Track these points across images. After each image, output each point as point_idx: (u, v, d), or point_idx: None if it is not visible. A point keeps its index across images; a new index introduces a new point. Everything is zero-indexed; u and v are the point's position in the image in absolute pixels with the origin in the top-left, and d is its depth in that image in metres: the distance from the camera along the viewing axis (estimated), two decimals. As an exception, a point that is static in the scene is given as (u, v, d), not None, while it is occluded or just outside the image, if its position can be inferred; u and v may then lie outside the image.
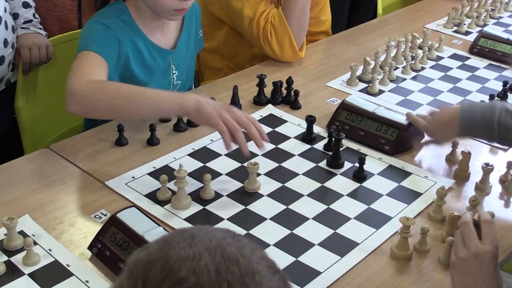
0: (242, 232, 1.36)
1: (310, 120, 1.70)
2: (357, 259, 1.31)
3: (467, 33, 2.50)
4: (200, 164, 1.58)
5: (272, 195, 1.48)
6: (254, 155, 1.62)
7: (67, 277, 1.22)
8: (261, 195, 1.48)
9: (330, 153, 1.63)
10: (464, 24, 2.54)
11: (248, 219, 1.40)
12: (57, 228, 1.35)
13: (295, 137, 1.71)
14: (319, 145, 1.68)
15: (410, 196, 1.51)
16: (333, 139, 1.60)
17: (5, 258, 1.25)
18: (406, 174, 1.59)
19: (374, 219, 1.42)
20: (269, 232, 1.37)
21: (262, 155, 1.63)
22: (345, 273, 1.27)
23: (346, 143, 1.70)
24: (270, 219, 1.41)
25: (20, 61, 1.93)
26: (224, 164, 1.58)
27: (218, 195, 1.47)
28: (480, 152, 1.70)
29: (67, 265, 1.25)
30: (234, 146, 1.47)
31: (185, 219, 1.39)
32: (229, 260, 0.69)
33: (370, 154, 1.66)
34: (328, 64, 2.19)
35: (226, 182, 1.52)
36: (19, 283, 1.20)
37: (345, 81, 2.04)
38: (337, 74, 2.10)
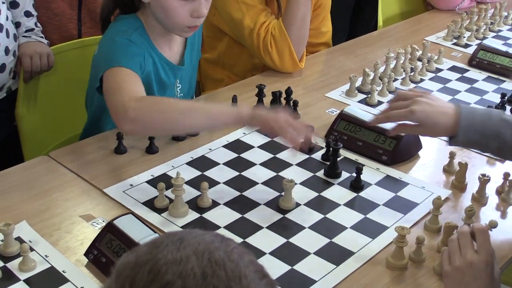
0: (239, 240, 1.36)
1: (309, 130, 1.69)
2: (353, 268, 1.31)
3: (466, 45, 2.51)
4: (198, 173, 1.58)
5: (269, 204, 1.48)
6: (252, 164, 1.63)
7: (62, 283, 1.22)
8: (258, 204, 1.48)
9: (328, 163, 1.63)
10: (464, 37, 2.55)
11: (245, 228, 1.40)
12: (54, 235, 1.35)
13: (293, 147, 1.71)
14: (317, 155, 1.68)
15: (406, 206, 1.51)
16: (331, 149, 1.60)
17: (1, 264, 1.26)
18: (403, 184, 1.59)
19: (370, 229, 1.42)
20: (265, 241, 1.37)
21: (260, 164, 1.63)
22: (340, 282, 1.27)
23: (344, 153, 1.70)
24: (267, 227, 1.41)
25: (21, 69, 1.94)
26: (222, 173, 1.59)
27: (215, 204, 1.47)
28: (477, 163, 1.70)
29: (63, 271, 1.25)
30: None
31: (181, 227, 1.40)
32: (216, 264, 0.69)
33: (368, 164, 1.66)
34: (328, 75, 2.19)
35: (223, 191, 1.52)
36: (14, 289, 1.20)
37: (344, 92, 2.05)
38: (337, 85, 2.10)
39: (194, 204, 1.46)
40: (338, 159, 1.63)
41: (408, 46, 2.27)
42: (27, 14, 1.99)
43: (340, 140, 1.70)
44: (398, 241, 1.31)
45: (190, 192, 1.50)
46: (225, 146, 1.70)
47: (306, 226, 1.42)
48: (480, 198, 1.55)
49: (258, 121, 1.49)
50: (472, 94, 2.11)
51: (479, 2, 2.89)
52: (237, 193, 1.52)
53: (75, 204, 1.46)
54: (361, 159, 1.69)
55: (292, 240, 1.37)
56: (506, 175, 1.57)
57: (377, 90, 2.03)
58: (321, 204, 1.50)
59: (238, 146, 1.71)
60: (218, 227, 1.40)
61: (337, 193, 1.54)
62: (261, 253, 1.33)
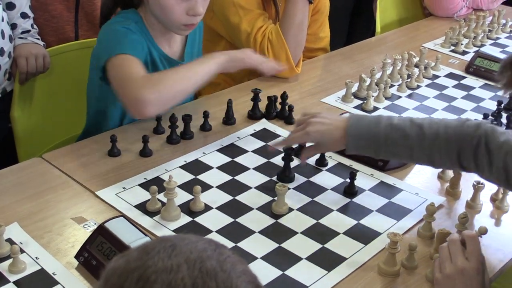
0: (230, 244, 1.35)
1: (303, 135, 1.69)
2: (344, 274, 1.30)
3: (464, 52, 2.51)
4: (191, 177, 1.58)
5: (261, 209, 1.48)
6: (245, 168, 1.62)
7: (52, 285, 1.22)
8: (251, 208, 1.48)
9: (323, 169, 1.64)
10: (462, 44, 2.54)
11: (237, 232, 1.40)
12: (45, 237, 1.35)
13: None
14: (311, 160, 1.68)
15: (400, 212, 1.51)
16: (284, 152, 1.60)
17: (-9, 265, 1.25)
18: (397, 190, 1.59)
19: (363, 235, 1.42)
20: (257, 245, 1.36)
21: (254, 168, 1.63)
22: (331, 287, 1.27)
23: (339, 158, 1.70)
24: (259, 232, 1.40)
25: (17, 71, 1.94)
26: (215, 177, 1.58)
27: (208, 208, 1.47)
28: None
29: (53, 273, 1.24)
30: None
31: (173, 231, 1.39)
32: (207, 274, 0.68)
33: (362, 170, 1.66)
34: (325, 81, 2.19)
35: (216, 195, 1.52)
36: (4, 291, 1.20)
37: (340, 97, 2.04)
38: (333, 91, 2.10)
39: (186, 208, 1.45)
40: (332, 164, 1.62)
41: (405, 53, 2.27)
42: (24, 15, 1.99)
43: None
44: (390, 248, 1.30)
45: (183, 196, 1.49)
46: (219, 150, 1.69)
47: (299, 231, 1.41)
48: (474, 205, 1.55)
49: (236, 62, 1.74)
50: (468, 101, 2.11)
51: (477, 9, 2.89)
52: (230, 197, 1.51)
53: (67, 206, 1.45)
54: (355, 165, 1.68)
55: (284, 245, 1.37)
56: (501, 182, 1.56)
57: (373, 96, 2.02)
58: (313, 209, 1.49)
59: (232, 150, 1.70)
60: (210, 231, 1.39)
61: (331, 198, 1.54)
62: (252, 258, 1.32)
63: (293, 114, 1.87)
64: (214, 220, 1.43)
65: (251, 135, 1.78)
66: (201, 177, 1.58)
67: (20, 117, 1.95)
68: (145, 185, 1.52)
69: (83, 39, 2.21)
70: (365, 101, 2.00)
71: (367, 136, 1.45)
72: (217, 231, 1.39)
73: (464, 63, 2.38)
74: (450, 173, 1.63)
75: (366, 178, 1.63)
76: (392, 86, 2.14)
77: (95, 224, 1.38)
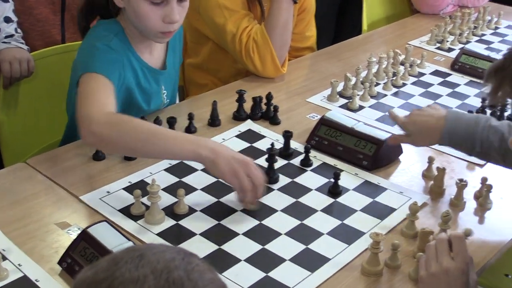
0: (214, 247, 1.35)
1: (287, 135, 1.69)
2: (328, 275, 1.30)
3: (449, 50, 2.50)
4: (176, 179, 1.57)
5: (245, 210, 1.47)
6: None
7: (35, 292, 1.21)
8: (235, 210, 1.47)
9: (308, 169, 1.63)
10: (447, 41, 2.54)
11: (221, 234, 1.39)
12: (28, 243, 1.34)
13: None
14: (296, 161, 1.67)
15: (384, 211, 1.51)
16: (268, 154, 1.59)
17: (-27, 273, 1.24)
18: (381, 189, 1.59)
19: (347, 235, 1.42)
20: (241, 247, 1.36)
21: (239, 170, 1.62)
22: (314, 289, 1.26)
23: (323, 158, 1.69)
24: (243, 234, 1.40)
25: (0, 75, 1.93)
26: (199, 179, 1.57)
27: (192, 210, 1.46)
28: (456, 168, 1.70)
29: (35, 280, 1.24)
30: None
31: (157, 234, 1.38)
32: (174, 284, 0.68)
33: (347, 170, 1.65)
34: (311, 80, 2.19)
35: (200, 197, 1.51)
36: (-15, 299, 1.19)
37: (326, 96, 2.04)
38: (319, 90, 2.09)
39: (170, 211, 1.45)
40: (316, 164, 1.62)
41: (390, 51, 2.26)
42: (7, 20, 1.98)
43: (321, 145, 1.71)
44: (373, 248, 1.30)
45: (167, 199, 1.48)
46: (204, 152, 1.69)
47: (283, 232, 1.41)
48: (457, 203, 1.55)
49: (217, 170, 1.42)
50: (453, 98, 2.11)
51: (462, 6, 2.89)
52: (214, 200, 1.50)
53: (51, 211, 1.45)
54: (340, 165, 1.67)
55: (267, 246, 1.36)
56: (484, 179, 1.57)
57: (358, 95, 2.02)
58: (298, 210, 1.49)
59: (217, 152, 1.69)
60: (194, 234, 1.39)
61: (315, 199, 1.53)
62: (236, 260, 1.32)
63: (278, 115, 1.86)
64: (198, 223, 1.42)
65: (236, 136, 1.78)
66: (186, 179, 1.57)
67: (5, 121, 1.94)
68: (130, 189, 1.51)
69: (71, 42, 2.20)
70: (350, 100, 2.00)
71: (464, 134, 1.49)
72: (201, 234, 1.39)
73: (450, 60, 2.37)
74: (434, 172, 1.63)
75: (350, 177, 1.62)
76: (377, 84, 2.13)
77: (78, 229, 1.37)
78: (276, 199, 1.52)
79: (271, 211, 1.48)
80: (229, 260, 1.32)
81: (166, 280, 0.68)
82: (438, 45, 2.54)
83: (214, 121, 1.83)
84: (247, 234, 1.40)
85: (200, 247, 1.35)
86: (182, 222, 1.42)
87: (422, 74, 2.27)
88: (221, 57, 2.24)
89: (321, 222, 1.45)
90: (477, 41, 2.63)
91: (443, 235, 1.21)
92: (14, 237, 1.35)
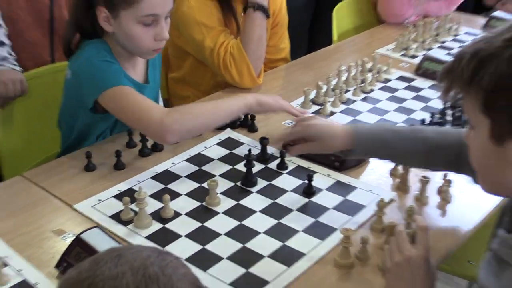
0: (198, 247, 1.39)
1: (264, 141, 1.74)
2: (303, 269, 1.34)
3: (413, 56, 2.56)
4: (162, 186, 1.61)
5: (227, 212, 1.51)
6: (212, 175, 1.66)
7: (34, 294, 1.25)
8: (217, 213, 1.51)
9: (284, 172, 1.68)
10: (411, 49, 2.60)
11: (204, 235, 1.43)
12: (27, 250, 1.38)
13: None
14: (273, 165, 1.72)
15: (354, 208, 1.55)
16: (245, 160, 1.63)
17: (-23, 279, 1.28)
18: (352, 188, 1.63)
19: (320, 231, 1.46)
20: (223, 246, 1.40)
21: (220, 175, 1.66)
22: (291, 282, 1.31)
23: (298, 161, 1.74)
24: (225, 234, 1.44)
25: (-4, 96, 1.96)
26: (183, 185, 1.62)
27: (177, 214, 1.50)
28: (420, 166, 1.75)
29: (35, 283, 1.27)
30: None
31: (146, 237, 1.42)
32: (150, 278, 0.72)
33: (320, 171, 1.70)
34: (286, 89, 2.23)
35: (185, 202, 1.55)
36: (-12, 303, 1.23)
37: (299, 104, 2.09)
38: (293, 98, 2.13)
39: (157, 215, 1.49)
40: (292, 168, 1.67)
41: (359, 59, 2.32)
42: (0, 44, 2.01)
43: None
44: (343, 242, 1.35)
45: (154, 204, 1.53)
46: (187, 160, 1.73)
47: (261, 231, 1.45)
48: (422, 199, 1.60)
49: (263, 105, 1.74)
50: (418, 101, 2.16)
51: (425, 16, 2.95)
52: (198, 203, 1.55)
53: (47, 220, 1.48)
54: (314, 167, 1.72)
55: (247, 245, 1.40)
56: (445, 175, 1.62)
57: (329, 102, 2.07)
58: (275, 210, 1.53)
59: (199, 159, 1.74)
60: (180, 236, 1.43)
61: (291, 199, 1.58)
62: (219, 258, 1.36)
63: (255, 123, 1.91)
64: (183, 226, 1.46)
65: (217, 144, 1.82)
66: (171, 186, 1.62)
67: (2, 139, 1.97)
68: (119, 196, 1.55)
69: (60, 62, 2.23)
70: (322, 107, 2.05)
71: (373, 137, 1.49)
72: (186, 235, 1.43)
73: (414, 66, 2.43)
74: (400, 170, 1.68)
75: (323, 178, 1.67)
76: (347, 91, 2.18)
77: (73, 235, 1.41)
78: (255, 201, 1.56)
79: (250, 212, 1.52)
80: (212, 259, 1.36)
81: (142, 275, 0.72)
82: (403, 52, 2.60)
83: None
84: (228, 234, 1.44)
85: (186, 247, 1.39)
86: (169, 226, 1.46)
87: (388, 80, 2.32)
88: (201, 71, 2.29)
89: (297, 220, 1.49)
90: (438, 47, 2.69)
91: (401, 227, 1.26)
92: (14, 244, 1.39)
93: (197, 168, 1.69)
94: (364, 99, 2.16)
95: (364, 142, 1.49)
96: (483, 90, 0.98)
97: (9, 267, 1.32)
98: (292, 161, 1.73)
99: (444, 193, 1.61)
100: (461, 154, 1.40)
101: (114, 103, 1.65)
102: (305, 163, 1.73)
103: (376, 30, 2.91)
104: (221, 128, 1.90)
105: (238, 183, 1.63)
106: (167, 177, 1.65)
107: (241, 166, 1.70)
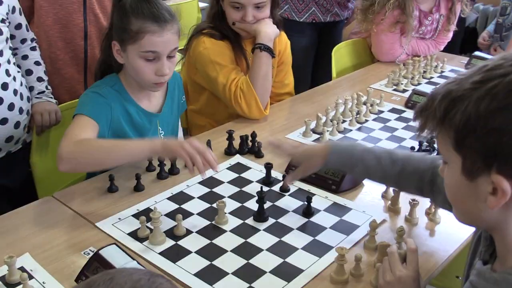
0: (206, 262, 1.31)
1: (268, 166, 1.66)
2: (301, 284, 1.26)
3: (404, 91, 2.48)
4: (176, 206, 1.54)
5: (234, 231, 1.43)
6: (222, 196, 1.58)
7: (55, 306, 1.17)
8: (225, 231, 1.43)
9: (286, 194, 1.60)
10: (402, 84, 2.52)
11: (212, 251, 1.35)
12: (51, 264, 1.30)
13: (256, 181, 1.67)
14: (276, 187, 1.64)
15: (349, 228, 1.46)
16: (258, 197, 1.49)
17: (5, 290, 1.21)
18: (347, 209, 1.55)
19: (318, 249, 1.37)
20: (229, 262, 1.31)
21: (228, 196, 1.59)
22: (290, 296, 1.22)
23: (299, 184, 1.66)
24: (231, 251, 1.35)
25: (34, 125, 1.90)
26: (196, 205, 1.54)
27: (188, 232, 1.42)
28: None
29: (56, 296, 1.20)
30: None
31: (159, 253, 1.34)
32: None
33: (318, 193, 1.62)
34: (289, 120, 2.16)
35: (196, 220, 1.47)
36: (13, 313, 1.15)
37: (301, 133, 2.01)
38: (296, 128, 2.06)
39: (171, 233, 1.41)
40: (293, 190, 1.59)
41: (354, 93, 2.24)
42: (39, 79, 1.96)
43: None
44: (338, 260, 1.26)
45: (169, 223, 1.45)
46: (200, 183, 1.65)
47: (264, 248, 1.37)
48: (411, 220, 1.51)
49: (169, 151, 1.47)
50: (407, 131, 2.07)
51: (414, 55, 2.88)
52: (208, 222, 1.47)
53: (71, 237, 1.41)
54: (313, 189, 1.64)
55: (251, 261, 1.32)
56: (432, 198, 1.53)
57: (328, 131, 1.99)
58: (277, 229, 1.45)
59: (211, 182, 1.66)
60: (190, 252, 1.35)
61: (291, 219, 1.49)
62: (224, 273, 1.27)
63: (261, 149, 1.83)
64: (193, 243, 1.38)
65: (227, 168, 1.75)
66: (185, 206, 1.54)
67: (38, 162, 1.91)
68: (137, 215, 1.47)
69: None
70: (321, 135, 1.97)
71: (346, 155, 1.43)
72: (196, 252, 1.35)
73: (404, 100, 2.35)
74: (391, 193, 1.59)
75: (321, 200, 1.59)
76: (344, 121, 2.11)
77: (93, 251, 1.33)
78: (260, 220, 1.48)
79: (255, 230, 1.44)
80: (219, 274, 1.28)
81: None
82: (395, 87, 2.52)
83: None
84: (234, 250, 1.36)
85: (195, 263, 1.31)
86: (181, 242, 1.38)
87: (381, 112, 2.24)
88: (216, 103, 2.22)
89: (297, 238, 1.41)
90: (426, 83, 2.61)
91: (393, 248, 1.18)
92: (41, 259, 1.32)
93: (208, 190, 1.61)
94: (359, 129, 2.08)
95: (336, 155, 1.44)
96: (454, 128, 0.90)
97: (34, 279, 1.24)
98: (294, 184, 1.65)
99: (432, 214, 1.51)
100: (430, 180, 1.33)
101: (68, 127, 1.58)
102: (305, 186, 1.65)
103: (370, 68, 2.84)
104: (231, 154, 1.82)
105: (245, 204, 1.55)
106: (181, 198, 1.58)
107: (248, 189, 1.62)
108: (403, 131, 2.07)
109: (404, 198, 1.56)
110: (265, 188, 1.63)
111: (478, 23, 4.65)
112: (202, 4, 4.42)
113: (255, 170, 1.73)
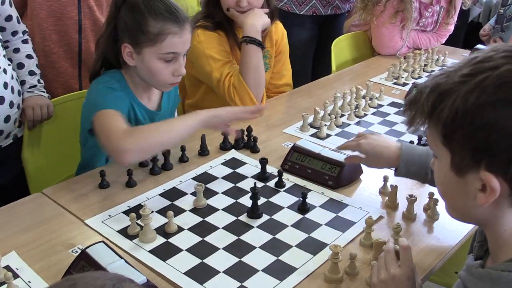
0: (197, 261, 1.27)
1: (263, 162, 1.62)
2: (295, 283, 1.21)
3: (404, 84, 2.43)
4: (168, 202, 1.49)
5: (226, 228, 1.39)
6: (214, 193, 1.54)
7: (39, 306, 1.13)
8: (217, 228, 1.39)
9: (281, 190, 1.56)
10: (402, 77, 2.47)
11: (204, 249, 1.31)
12: (38, 263, 1.26)
13: (251, 177, 1.63)
14: (271, 183, 1.60)
15: (345, 225, 1.42)
16: (251, 193, 1.45)
17: (-11, 290, 1.17)
18: (344, 206, 1.50)
19: (313, 246, 1.33)
20: (221, 260, 1.27)
21: (222, 192, 1.54)
22: (282, 296, 1.18)
23: (295, 180, 1.62)
24: (223, 248, 1.31)
25: (25, 119, 1.86)
26: (188, 202, 1.50)
27: (180, 229, 1.38)
28: (408, 185, 1.61)
29: (41, 295, 1.16)
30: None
31: (149, 251, 1.30)
32: None
33: (315, 189, 1.57)
34: (287, 114, 2.11)
35: (188, 218, 1.43)
36: (-4, 313, 1.12)
37: (299, 127, 1.97)
38: (293, 122, 2.02)
39: (162, 230, 1.37)
40: (288, 186, 1.55)
41: (353, 87, 2.19)
42: (31, 73, 1.91)
43: (293, 169, 1.63)
44: (332, 258, 1.22)
45: (160, 220, 1.41)
46: (193, 178, 1.61)
47: (257, 246, 1.33)
48: (409, 216, 1.46)
49: (216, 120, 1.56)
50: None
51: (415, 48, 2.82)
52: (200, 219, 1.42)
53: (59, 234, 1.37)
54: (309, 185, 1.60)
55: (243, 259, 1.28)
56: (431, 194, 1.48)
57: (326, 125, 1.95)
58: (271, 226, 1.40)
59: (205, 177, 1.62)
60: (181, 250, 1.31)
61: (286, 215, 1.45)
62: (216, 272, 1.23)
63: (257, 144, 1.79)
64: (185, 240, 1.34)
65: (222, 163, 1.70)
66: (177, 202, 1.50)
67: (30, 158, 1.87)
68: (128, 212, 1.43)
69: (86, 89, 2.14)
70: (319, 130, 1.92)
71: (418, 164, 1.40)
72: (186, 249, 1.31)
73: (404, 93, 2.30)
74: (389, 188, 1.55)
75: (317, 196, 1.54)
76: (342, 115, 2.06)
77: (81, 249, 1.29)
78: (253, 217, 1.43)
79: (248, 227, 1.40)
80: (209, 272, 1.24)
81: None
82: (395, 80, 2.47)
83: (203, 152, 1.75)
84: (226, 248, 1.31)
85: (186, 261, 1.27)
86: (171, 240, 1.34)
87: (380, 106, 2.19)
88: (213, 97, 2.17)
89: (291, 236, 1.37)
90: (426, 76, 2.56)
91: (390, 246, 1.13)
92: (27, 257, 1.28)
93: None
94: (357, 123, 2.04)
95: (406, 164, 1.42)
96: (442, 123, 0.86)
97: (19, 279, 1.20)
98: (289, 180, 1.61)
99: (430, 211, 1.47)
100: None
101: (97, 123, 1.53)
102: (301, 182, 1.61)
103: (370, 61, 2.79)
104: (226, 149, 1.78)
105: (238, 200, 1.51)
106: (174, 194, 1.53)
107: (242, 184, 1.58)
108: (402, 126, 2.02)
109: (402, 194, 1.52)
110: (260, 184, 1.58)
111: (481, 16, 4.58)
112: (201, -2, 4.36)
113: (251, 165, 1.69)
